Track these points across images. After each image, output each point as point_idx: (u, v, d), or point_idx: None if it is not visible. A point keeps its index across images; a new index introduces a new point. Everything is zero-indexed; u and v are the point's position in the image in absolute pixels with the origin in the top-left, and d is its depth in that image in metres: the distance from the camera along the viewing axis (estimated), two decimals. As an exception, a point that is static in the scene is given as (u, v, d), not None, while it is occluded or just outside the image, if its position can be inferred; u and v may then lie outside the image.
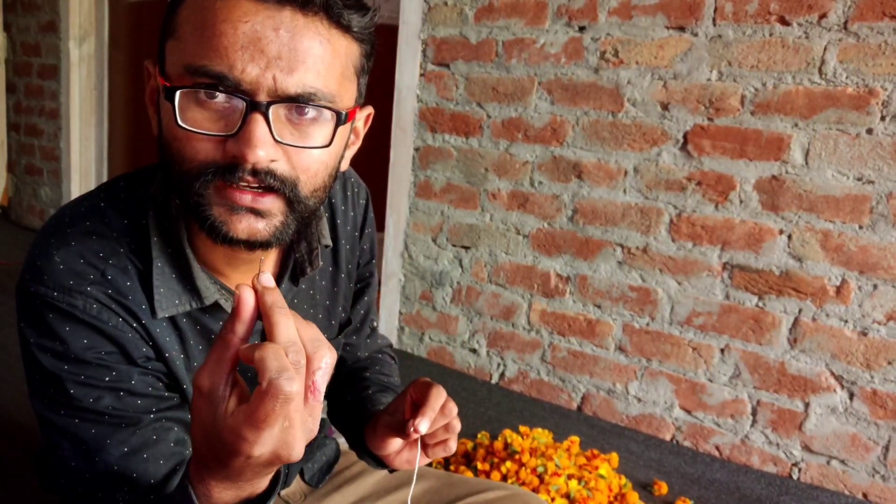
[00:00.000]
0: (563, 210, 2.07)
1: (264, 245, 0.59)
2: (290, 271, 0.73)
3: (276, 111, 0.55)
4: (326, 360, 0.45)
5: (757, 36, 1.72)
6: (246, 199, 0.57)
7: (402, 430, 0.68)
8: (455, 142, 2.26)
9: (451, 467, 1.69)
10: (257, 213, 0.57)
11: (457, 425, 0.69)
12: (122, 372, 0.62)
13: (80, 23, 3.56)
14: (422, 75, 2.30)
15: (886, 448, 1.67)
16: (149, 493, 0.63)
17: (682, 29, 1.82)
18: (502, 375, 2.27)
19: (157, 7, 3.11)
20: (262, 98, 0.54)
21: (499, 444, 1.71)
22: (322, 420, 1.00)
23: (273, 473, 0.51)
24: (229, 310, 0.64)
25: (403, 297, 2.45)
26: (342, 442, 1.73)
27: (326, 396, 0.95)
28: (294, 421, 0.43)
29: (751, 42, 1.73)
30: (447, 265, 2.33)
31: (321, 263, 0.75)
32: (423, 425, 0.64)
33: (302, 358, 0.44)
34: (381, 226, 2.46)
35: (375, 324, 0.99)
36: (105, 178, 3.68)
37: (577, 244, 2.06)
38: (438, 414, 0.66)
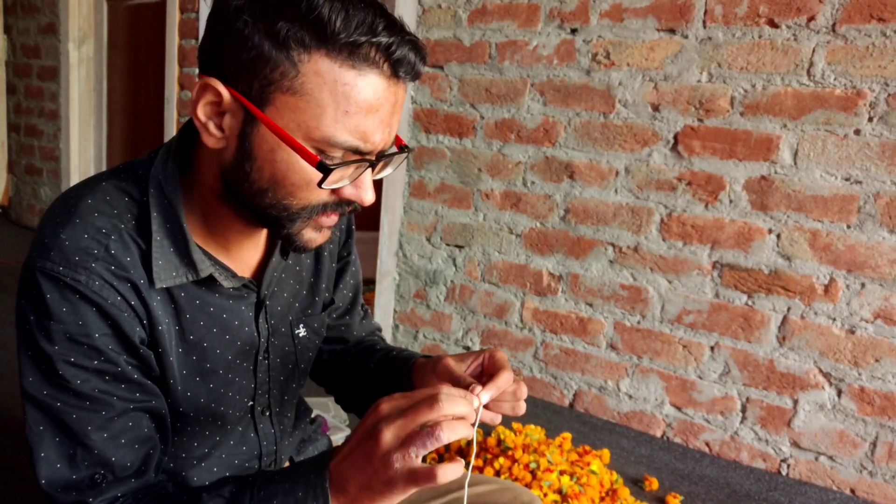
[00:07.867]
0: (555, 210, 2.09)
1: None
2: (281, 246, 0.79)
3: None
4: (447, 435, 0.56)
5: (746, 38, 1.74)
6: (333, 220, 0.69)
7: (458, 383, 0.73)
8: (449, 142, 2.28)
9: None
10: (331, 227, 0.70)
11: (521, 406, 0.74)
12: (111, 356, 0.65)
13: (79, 25, 3.59)
14: (417, 76, 2.32)
15: (874, 444, 1.69)
16: (126, 477, 0.66)
17: (672, 31, 1.84)
18: (497, 373, 2.29)
19: (155, 9, 3.13)
20: (373, 156, 0.65)
21: (492, 441, 1.73)
22: (315, 418, 1.03)
23: None
24: (223, 282, 0.73)
25: (398, 295, 2.47)
26: (335, 439, 1.75)
27: (338, 374, 1.00)
28: (411, 451, 0.55)
29: (740, 44, 1.75)
30: (441, 264, 2.35)
31: None
32: (484, 396, 0.68)
33: (467, 410, 0.58)
34: (375, 225, 2.49)
35: (366, 307, 1.05)
36: (104, 179, 3.69)
37: (569, 243, 2.08)
38: (503, 391, 0.71)
